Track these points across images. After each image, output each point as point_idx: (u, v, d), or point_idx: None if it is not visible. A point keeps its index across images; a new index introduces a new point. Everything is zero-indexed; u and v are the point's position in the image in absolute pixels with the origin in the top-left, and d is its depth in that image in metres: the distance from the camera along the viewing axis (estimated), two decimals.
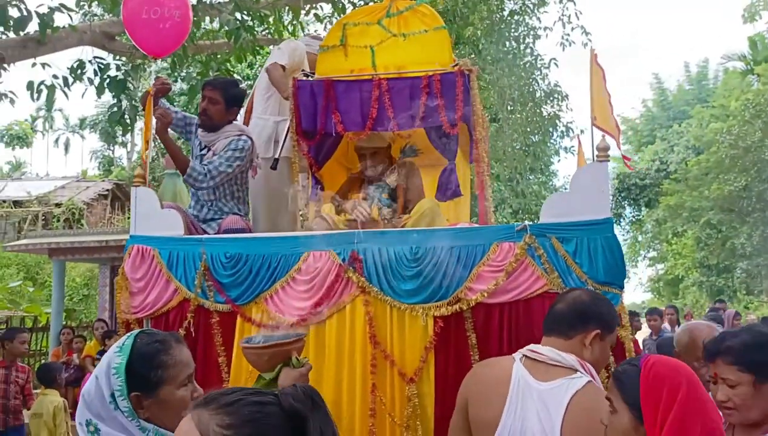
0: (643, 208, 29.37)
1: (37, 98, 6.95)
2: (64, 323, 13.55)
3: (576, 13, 12.47)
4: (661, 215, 25.69)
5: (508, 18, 12.52)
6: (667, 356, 1.89)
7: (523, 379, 2.23)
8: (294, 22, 10.26)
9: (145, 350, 1.87)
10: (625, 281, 3.11)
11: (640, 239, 31.48)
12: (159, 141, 3.91)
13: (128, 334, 1.94)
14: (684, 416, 1.71)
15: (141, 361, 1.84)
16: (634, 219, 30.74)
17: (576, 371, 2.21)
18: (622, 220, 30.18)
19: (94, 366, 7.91)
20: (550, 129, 13.48)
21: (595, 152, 3.18)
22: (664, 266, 30.94)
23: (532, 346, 2.33)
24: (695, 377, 1.80)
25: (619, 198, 28.99)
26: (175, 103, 16.64)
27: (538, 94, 12.83)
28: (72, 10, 6.98)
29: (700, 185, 20.66)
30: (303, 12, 9.55)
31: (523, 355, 2.31)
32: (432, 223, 3.57)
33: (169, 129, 3.88)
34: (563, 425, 2.10)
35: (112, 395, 1.78)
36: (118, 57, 7.88)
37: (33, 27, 6.46)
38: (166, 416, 1.81)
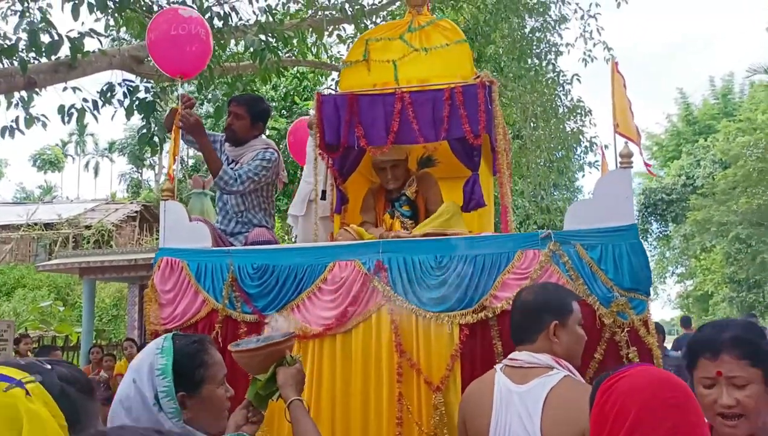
0: (670, 224, 29.02)
1: (68, 122, 7.09)
2: (94, 342, 13.71)
3: (598, 29, 12.49)
4: (688, 231, 25.34)
5: (530, 35, 12.56)
6: (650, 370, 1.58)
7: (505, 386, 2.32)
8: (317, 44, 10.41)
9: (187, 349, 1.91)
10: (652, 292, 3.09)
11: (667, 254, 31.05)
12: (185, 163, 4.00)
13: (161, 337, 1.96)
14: None
15: (185, 360, 1.88)
16: (661, 235, 30.38)
17: (552, 368, 2.27)
18: (648, 236, 29.85)
19: None
20: (574, 145, 13.40)
21: (618, 159, 3.17)
22: (693, 282, 30.47)
23: (511, 354, 2.41)
24: (663, 403, 1.45)
25: (646, 214, 28.68)
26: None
27: (561, 110, 12.79)
28: (101, 35, 7.16)
29: (728, 200, 20.37)
30: (326, 33, 9.68)
31: (504, 364, 2.40)
32: (449, 221, 3.61)
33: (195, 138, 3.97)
34: (542, 422, 2.15)
35: (156, 397, 1.80)
36: (146, 80, 8.04)
37: (64, 52, 6.61)
38: (206, 416, 1.85)
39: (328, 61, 11.74)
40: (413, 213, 4.12)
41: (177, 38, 3.85)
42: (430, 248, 3.20)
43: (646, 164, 3.30)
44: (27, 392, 1.16)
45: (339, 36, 10.14)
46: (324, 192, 4.18)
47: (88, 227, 23.39)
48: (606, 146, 9.79)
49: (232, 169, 3.98)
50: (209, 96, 10.27)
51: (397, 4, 10.38)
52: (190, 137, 4.00)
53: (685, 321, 14.16)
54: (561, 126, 12.63)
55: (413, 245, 3.24)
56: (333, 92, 4.34)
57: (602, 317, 2.93)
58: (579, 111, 12.91)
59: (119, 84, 7.24)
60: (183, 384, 1.83)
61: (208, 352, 1.93)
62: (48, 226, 24.17)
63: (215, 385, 1.91)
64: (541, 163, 12.99)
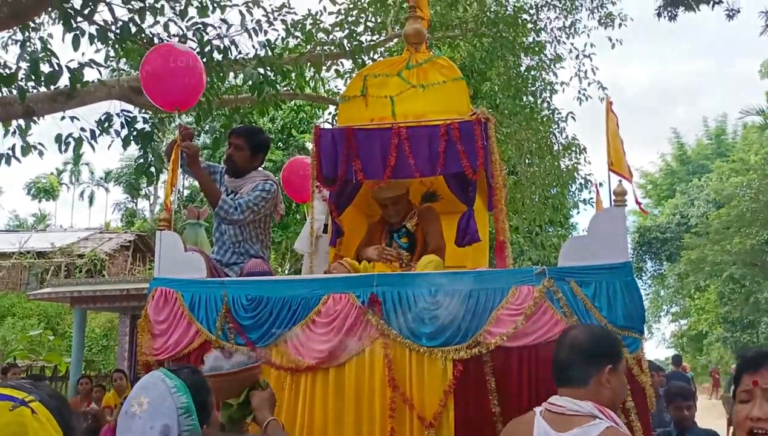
0: (664, 262, 29.06)
1: (65, 150, 7.11)
2: (83, 372, 13.56)
3: (592, 69, 12.68)
4: (683, 270, 25.39)
5: (525, 73, 12.74)
6: None
7: (545, 431, 2.20)
8: (315, 78, 10.53)
9: (196, 382, 1.93)
10: (646, 331, 3.09)
11: (662, 293, 31.06)
12: (180, 193, 4.03)
13: (158, 376, 1.92)
14: None
15: (201, 393, 1.90)
16: (655, 273, 30.41)
17: (595, 417, 2.16)
18: (643, 274, 29.86)
19: (112, 417, 7.85)
20: (569, 182, 13.50)
21: (613, 197, 3.20)
22: (687, 321, 30.41)
23: (551, 398, 2.28)
24: None
25: (640, 252, 28.75)
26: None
27: (555, 147, 12.90)
28: (101, 66, 7.23)
29: (722, 239, 20.46)
30: (324, 68, 9.80)
31: (544, 408, 2.28)
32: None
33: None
34: None
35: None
36: (144, 110, 8.09)
37: (63, 81, 6.67)
38: None
39: (326, 95, 11.87)
40: (411, 245, 4.13)
41: (172, 71, 3.90)
42: (425, 282, 3.20)
43: (638, 202, 3.33)
44: (32, 411, 1.22)
45: (337, 71, 10.26)
46: (326, 226, 4.21)
47: (80, 256, 23.30)
48: (600, 184, 9.86)
49: (231, 199, 4.01)
50: (207, 127, 10.34)
51: (395, 40, 10.53)
52: (188, 168, 4.03)
53: (676, 359, 14.18)
54: (556, 163, 12.73)
55: (408, 279, 3.25)
56: (331, 126, 4.38)
57: None
58: (574, 148, 13.03)
59: (117, 114, 7.29)
60: (203, 416, 1.87)
61: (205, 379, 1.99)
62: (40, 254, 24.07)
63: (215, 409, 1.97)
64: (536, 200, 13.04)
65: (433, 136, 3.84)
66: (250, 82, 7.85)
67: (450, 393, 3.01)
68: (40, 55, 6.45)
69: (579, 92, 12.59)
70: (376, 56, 10.22)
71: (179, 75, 3.91)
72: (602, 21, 12.84)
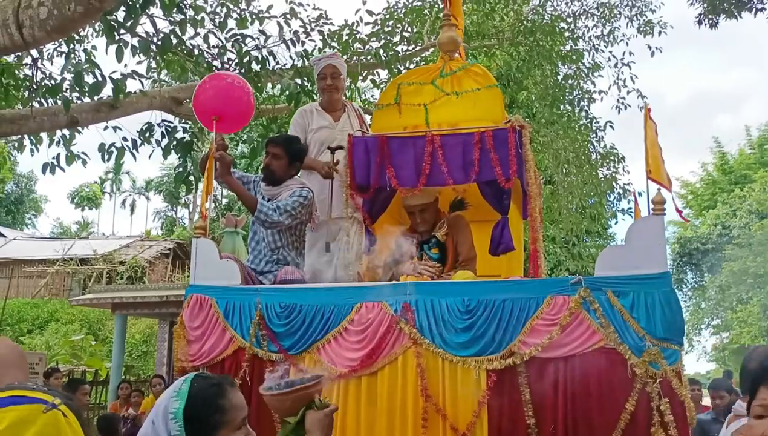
0: (705, 274, 28.39)
1: (108, 160, 7.26)
2: (123, 377, 13.78)
3: (631, 77, 12.48)
4: (724, 281, 24.76)
5: (563, 82, 12.60)
6: None
7: None
8: (351, 87, 10.57)
9: (203, 394, 1.86)
10: (687, 343, 3.01)
11: (703, 305, 30.32)
12: (218, 202, 4.07)
13: (183, 378, 1.94)
14: None
15: (199, 405, 1.83)
16: (696, 285, 29.72)
17: None
18: (683, 285, 29.22)
19: None
20: (607, 191, 13.30)
21: (651, 206, 3.14)
22: (729, 334, 29.61)
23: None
24: None
25: (680, 263, 28.15)
26: (237, 166, 17.18)
27: (593, 157, 12.73)
28: (143, 77, 7.36)
29: (765, 251, 19.91)
30: (360, 78, 9.83)
31: None
32: None
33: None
34: None
35: None
36: (184, 120, 8.21)
37: (106, 92, 6.80)
38: None
39: (362, 105, 11.92)
40: (442, 256, 4.10)
41: (228, 92, 3.99)
42: (459, 291, 3.18)
43: (678, 210, 3.25)
44: (63, 414, 1.28)
45: (373, 81, 10.30)
46: (328, 245, 4.20)
47: (122, 263, 23.73)
48: (639, 193, 9.71)
49: (270, 203, 4.05)
50: (245, 137, 10.44)
51: (431, 50, 10.53)
52: (221, 178, 4.09)
53: (727, 376, 13.83)
54: (594, 172, 12.55)
55: (441, 288, 3.23)
56: (364, 134, 4.40)
57: (634, 367, 2.88)
58: (612, 158, 12.83)
59: (158, 124, 7.41)
60: (196, 430, 1.80)
61: (226, 396, 1.87)
62: (83, 261, 24.59)
63: (230, 430, 1.85)
64: (574, 210, 12.88)
65: (467, 144, 3.83)
66: (287, 93, 7.91)
67: (484, 404, 2.97)
68: (84, 67, 6.59)
69: (617, 101, 12.39)
70: (411, 66, 10.23)
71: (236, 99, 4.00)
72: (641, 29, 12.65)
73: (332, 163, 4.26)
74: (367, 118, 5.29)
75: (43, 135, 7.26)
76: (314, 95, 8.69)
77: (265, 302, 3.38)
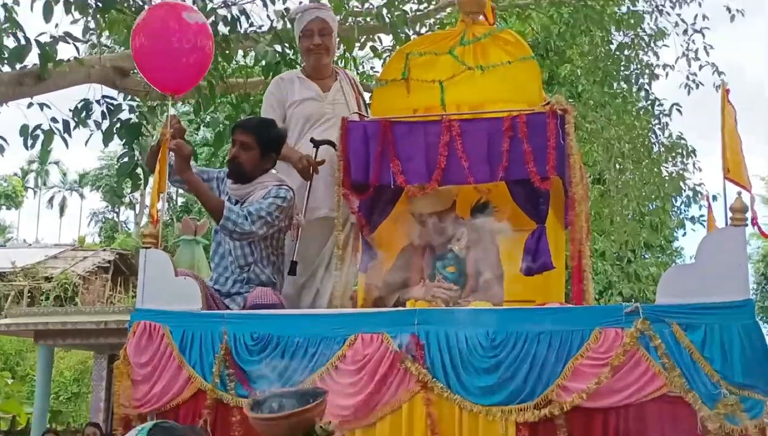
0: None
1: (32, 146, 7.23)
2: (48, 426, 13.78)
3: (705, 48, 12.48)
4: None
5: (617, 53, 12.59)
6: None
7: None
8: (346, 57, 10.58)
9: None
10: None
11: None
12: (173, 202, 4.07)
13: (138, 429, 1.95)
14: None
15: None
16: None
17: None
18: None
19: None
20: (672, 194, 13.29)
21: (729, 214, 3.14)
22: None
23: None
24: None
25: (766, 287, 28.14)
26: (197, 157, 17.20)
27: (655, 149, 12.73)
28: (79, 41, 7.36)
29: None
30: (357, 45, 9.84)
31: None
32: None
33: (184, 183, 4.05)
34: None
35: None
36: (131, 97, 8.21)
37: (31, 60, 6.79)
38: None
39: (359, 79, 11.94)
40: (460, 275, 4.10)
41: (173, 45, 3.97)
42: (481, 320, 3.19)
43: (755, 222, 3.22)
44: None
45: (373, 48, 10.29)
46: (294, 264, 4.17)
47: (48, 279, 23.72)
48: (714, 197, 9.69)
49: (239, 207, 4.03)
50: (208, 119, 10.44)
51: (448, 10, 10.54)
52: (177, 176, 4.06)
53: None
54: (655, 169, 12.55)
55: (459, 317, 3.24)
56: (363, 117, 4.41)
57: (705, 421, 2.88)
58: (679, 151, 12.82)
59: (98, 101, 7.39)
60: None
61: None
62: None
63: None
64: (630, 217, 12.88)
65: (493, 132, 3.84)
66: (263, 63, 7.92)
67: None
68: (2, 27, 6.60)
69: (687, 78, 12.38)
70: (424, 30, 10.24)
71: (184, 50, 3.99)
72: None
73: (314, 160, 4.26)
74: (366, 97, 5.29)
75: None
76: (298, 65, 8.70)
77: (232, 332, 3.39)
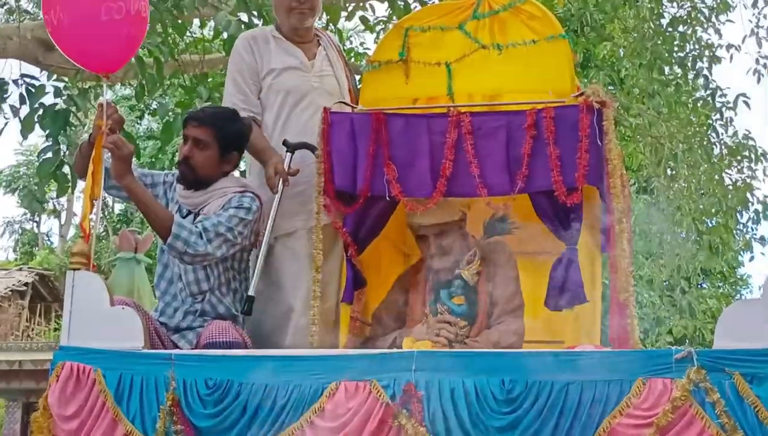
0: None
1: None
2: None
3: None
4: None
5: (669, 30, 12.63)
6: None
7: None
8: (330, 29, 10.60)
9: None
10: None
11: None
12: (108, 210, 4.05)
13: None
14: None
15: None
16: None
17: None
18: None
19: None
20: (738, 208, 13.31)
21: None
22: None
23: None
24: None
25: None
26: (139, 155, 17.18)
27: (716, 151, 12.74)
28: None
29: None
30: (344, 15, 9.85)
31: None
32: None
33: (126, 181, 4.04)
34: None
35: None
36: (57, 77, 8.20)
37: None
38: None
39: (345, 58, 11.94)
40: (470, 308, 4.12)
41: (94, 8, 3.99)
42: (495, 366, 3.19)
43: None
44: None
45: (364, 20, 10.32)
46: (250, 300, 4.08)
47: None
48: None
49: (191, 223, 4.00)
50: (154, 106, 10.45)
51: None
52: (114, 181, 4.04)
53: None
54: (716, 176, 12.55)
55: (465, 361, 3.24)
56: (352, 107, 4.41)
57: None
58: (746, 153, 12.85)
59: (15, 81, 7.40)
60: None
61: None
62: None
63: None
64: (682, 235, 12.91)
65: (513, 129, 3.85)
66: (225, 35, 7.93)
67: None
68: None
69: (756, 61, 12.44)
70: None
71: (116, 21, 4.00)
72: None
73: (284, 169, 4.16)
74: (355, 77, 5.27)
75: None
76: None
77: (182, 378, 3.39)
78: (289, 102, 4.46)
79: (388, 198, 4.06)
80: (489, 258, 4.20)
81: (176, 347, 3.96)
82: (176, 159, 4.32)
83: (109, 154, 3.94)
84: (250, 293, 4.09)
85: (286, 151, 4.24)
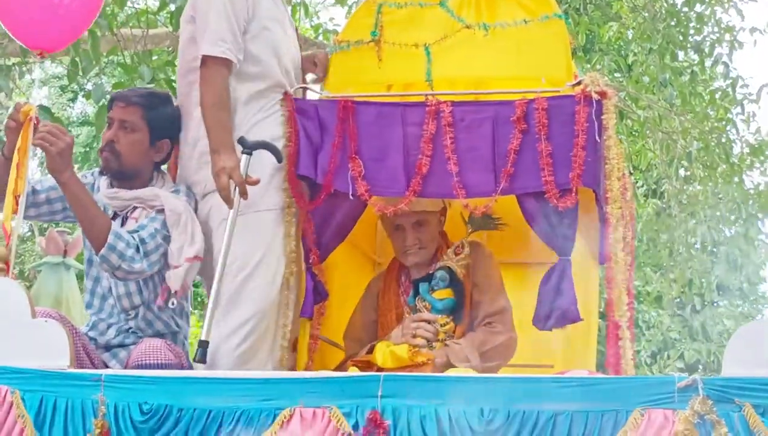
0: None
1: None
2: None
3: None
4: None
5: (684, 10, 12.66)
6: None
7: None
8: (293, 3, 10.61)
9: None
10: None
11: None
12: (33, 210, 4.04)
13: None
14: None
15: None
16: None
17: None
18: None
19: None
20: (759, 215, 13.39)
21: None
22: None
23: None
24: None
25: None
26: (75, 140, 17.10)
27: (736, 150, 12.78)
28: None
29: None
30: None
31: None
32: None
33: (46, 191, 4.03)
34: None
35: None
36: None
37: None
38: None
39: (311, 37, 11.95)
40: (456, 302, 4.13)
41: None
42: (473, 393, 3.20)
43: None
44: None
45: None
46: (203, 345, 3.82)
47: None
48: None
49: (128, 233, 3.95)
50: (89, 87, 10.40)
51: None
52: (55, 175, 3.98)
53: None
54: (736, 178, 12.60)
55: (440, 386, 3.25)
56: (315, 94, 4.42)
57: None
58: None
59: None
60: None
61: None
62: None
63: None
64: (696, 246, 12.97)
65: (499, 122, 3.87)
66: (172, 7, 7.92)
67: None
68: None
69: None
70: None
71: None
72: None
73: (242, 177, 3.85)
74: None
75: None
76: None
77: (113, 402, 3.38)
78: (273, 56, 4.20)
79: (351, 197, 4.07)
80: (471, 257, 4.21)
81: (106, 366, 3.95)
82: (98, 148, 4.25)
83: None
84: (203, 337, 3.84)
85: (243, 152, 3.95)
